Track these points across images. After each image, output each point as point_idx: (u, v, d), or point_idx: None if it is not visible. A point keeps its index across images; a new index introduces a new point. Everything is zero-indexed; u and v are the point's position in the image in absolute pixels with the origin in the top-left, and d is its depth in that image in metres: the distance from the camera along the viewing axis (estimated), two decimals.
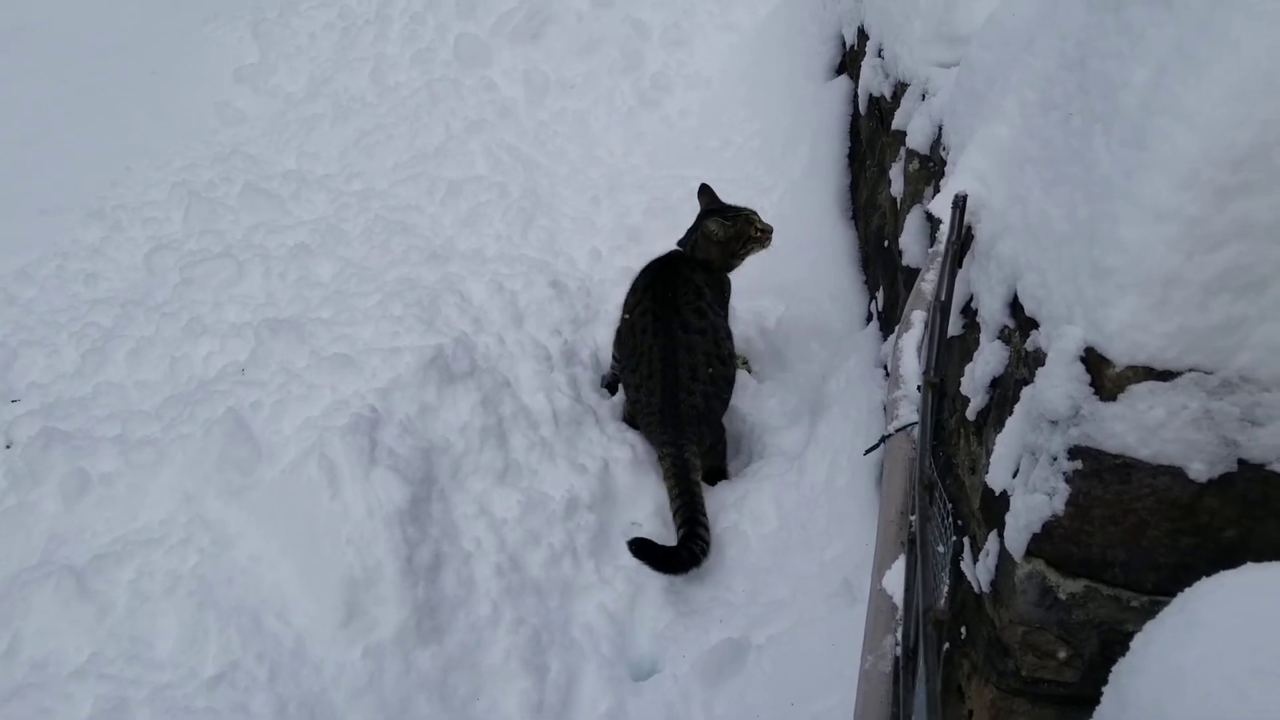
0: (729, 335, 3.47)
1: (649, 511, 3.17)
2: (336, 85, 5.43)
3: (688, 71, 5.35)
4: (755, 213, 3.65)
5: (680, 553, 2.96)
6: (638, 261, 4.20)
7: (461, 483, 2.93)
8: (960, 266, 2.13)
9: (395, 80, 5.38)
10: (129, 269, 4.17)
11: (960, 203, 2.01)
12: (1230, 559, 1.78)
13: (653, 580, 2.93)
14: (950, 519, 1.97)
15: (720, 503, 3.22)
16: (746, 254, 3.59)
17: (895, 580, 1.58)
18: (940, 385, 2.07)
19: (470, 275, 3.72)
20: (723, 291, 3.58)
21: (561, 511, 3.00)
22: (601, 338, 3.75)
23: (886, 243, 3.43)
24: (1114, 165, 1.81)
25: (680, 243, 3.68)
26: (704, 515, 3.08)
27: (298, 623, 2.56)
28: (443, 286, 3.60)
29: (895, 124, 3.34)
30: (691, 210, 4.52)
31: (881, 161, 3.67)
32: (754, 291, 3.83)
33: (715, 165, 4.66)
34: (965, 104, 2.65)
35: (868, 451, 1.79)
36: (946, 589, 1.75)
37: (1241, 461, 1.72)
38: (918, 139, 3.10)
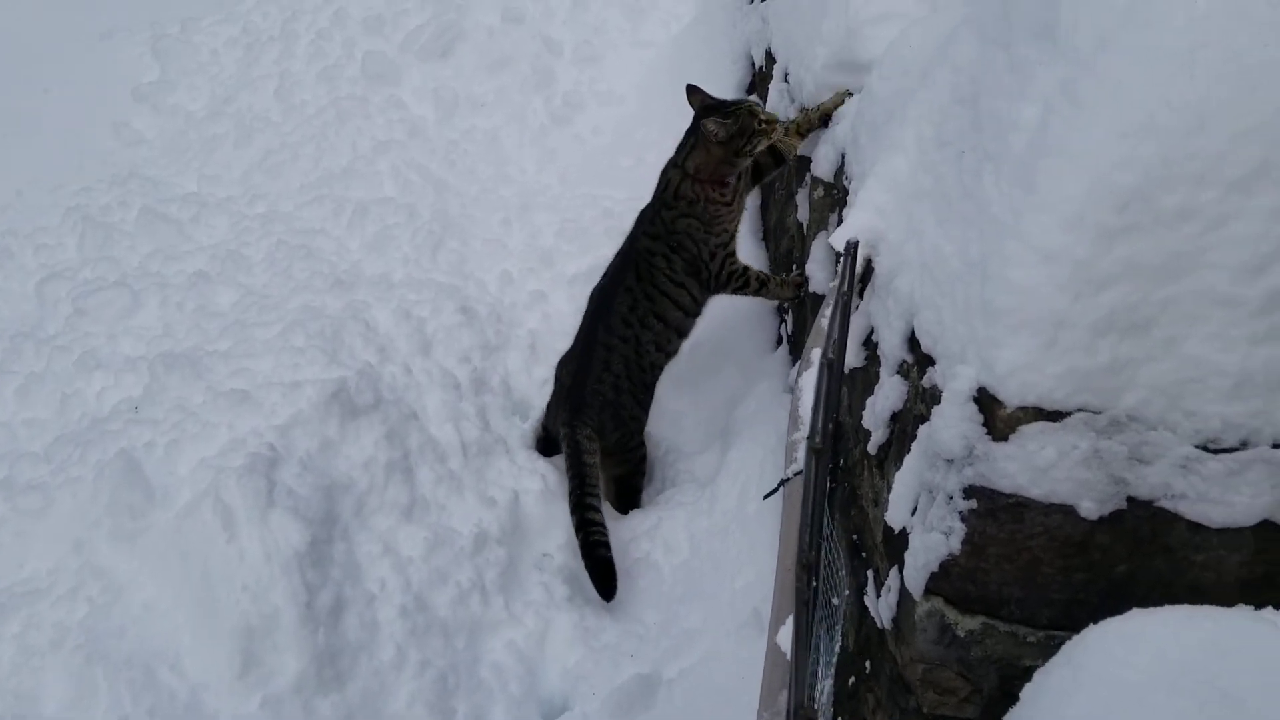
0: (662, 345, 3.38)
1: (560, 543, 3.13)
2: (240, 104, 5.28)
3: (600, 88, 5.31)
4: (757, 103, 3.38)
5: (590, 565, 3.02)
6: (549, 285, 4.16)
7: (365, 521, 2.86)
8: (849, 318, 2.13)
9: (301, 99, 5.26)
10: (19, 299, 4.00)
11: (851, 250, 2.01)
12: (1122, 593, 1.81)
13: (563, 615, 2.89)
14: (843, 572, 1.97)
15: (633, 532, 3.19)
16: (752, 151, 3.23)
17: (790, 636, 1.56)
18: (830, 446, 2.06)
19: (376, 302, 3.64)
20: (704, 240, 3.31)
21: (470, 547, 2.95)
22: (512, 364, 3.70)
23: (795, 267, 3.43)
24: (1004, 205, 1.82)
25: (672, 159, 3.40)
26: (594, 504, 3.09)
27: (192, 674, 2.48)
28: (347, 315, 3.52)
29: (800, 150, 3.35)
30: (605, 230, 4.49)
31: (789, 185, 3.68)
32: None
33: (628, 183, 4.62)
34: (866, 134, 2.66)
35: (767, 496, 1.78)
36: (829, 684, 1.73)
37: (1130, 499, 1.74)
38: (822, 167, 3.11)
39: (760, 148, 3.25)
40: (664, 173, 3.42)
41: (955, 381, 1.79)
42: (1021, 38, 1.98)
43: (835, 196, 2.97)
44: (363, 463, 2.96)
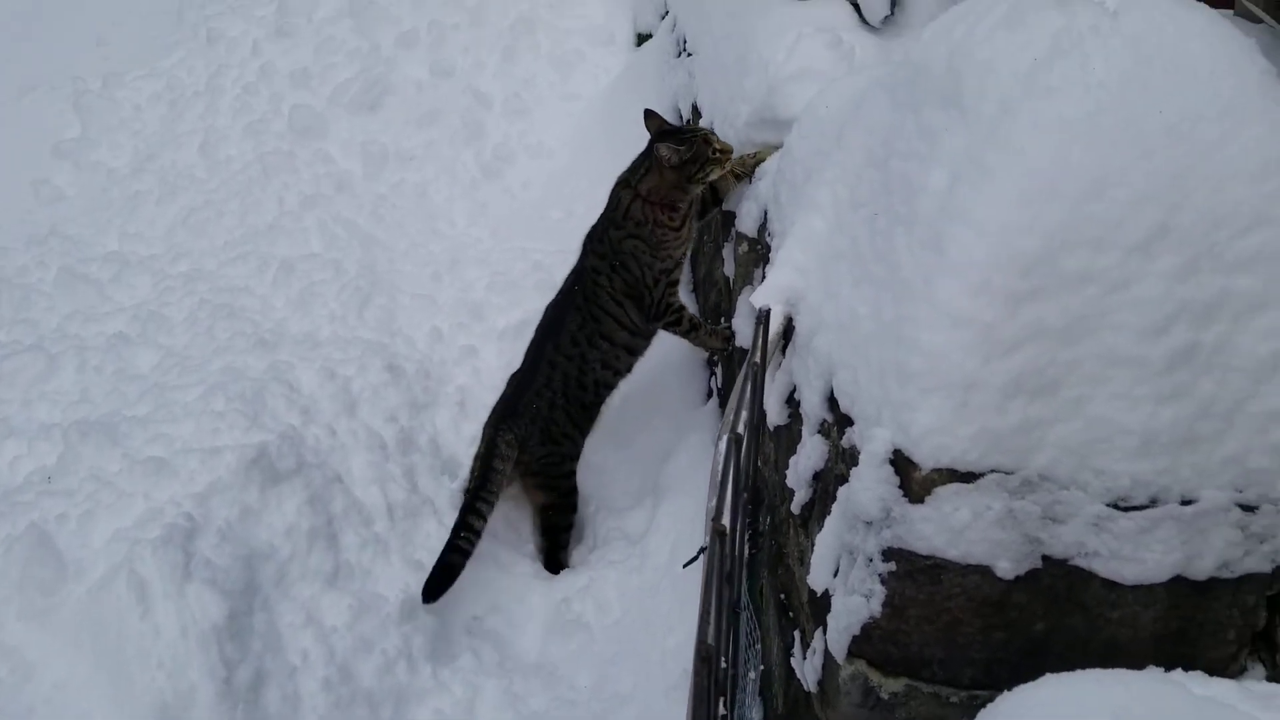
0: (610, 363, 3.36)
1: (490, 605, 3.09)
2: (163, 160, 5.21)
3: (530, 141, 5.33)
4: (711, 131, 3.37)
5: (437, 563, 3.02)
6: (480, 339, 4.13)
7: (287, 590, 2.79)
8: (761, 389, 2.13)
9: (226, 154, 5.20)
10: None
11: (762, 319, 2.02)
12: (1040, 651, 1.82)
13: (492, 681, 2.84)
14: (758, 646, 1.96)
15: (565, 592, 3.15)
16: (704, 178, 3.21)
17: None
18: (745, 516, 2.06)
19: (300, 362, 3.58)
20: (649, 264, 3.28)
21: (396, 614, 2.88)
22: (441, 422, 3.66)
23: (723, 319, 3.45)
24: (914, 268, 1.84)
25: (623, 178, 3.36)
26: (481, 511, 3.10)
27: None
28: (270, 376, 3.45)
29: (726, 204, 3.38)
30: (535, 284, 4.47)
31: (717, 239, 3.71)
32: None
33: (559, 236, 4.63)
34: (787, 192, 2.69)
35: (686, 565, 1.76)
36: None
37: (1046, 558, 1.76)
38: (746, 223, 3.14)
39: (713, 176, 3.23)
40: (615, 192, 3.39)
41: (871, 444, 1.80)
42: (930, 102, 2.01)
43: (759, 252, 3.00)
44: (284, 530, 2.89)
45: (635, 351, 3.43)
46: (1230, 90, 1.75)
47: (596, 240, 3.39)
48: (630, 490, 3.44)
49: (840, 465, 1.98)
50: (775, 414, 2.41)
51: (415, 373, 3.76)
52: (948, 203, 1.82)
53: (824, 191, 2.33)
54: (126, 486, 2.86)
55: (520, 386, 3.34)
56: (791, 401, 2.36)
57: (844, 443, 1.96)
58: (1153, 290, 1.68)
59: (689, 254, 3.46)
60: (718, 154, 3.20)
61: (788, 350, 2.35)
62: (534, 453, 3.29)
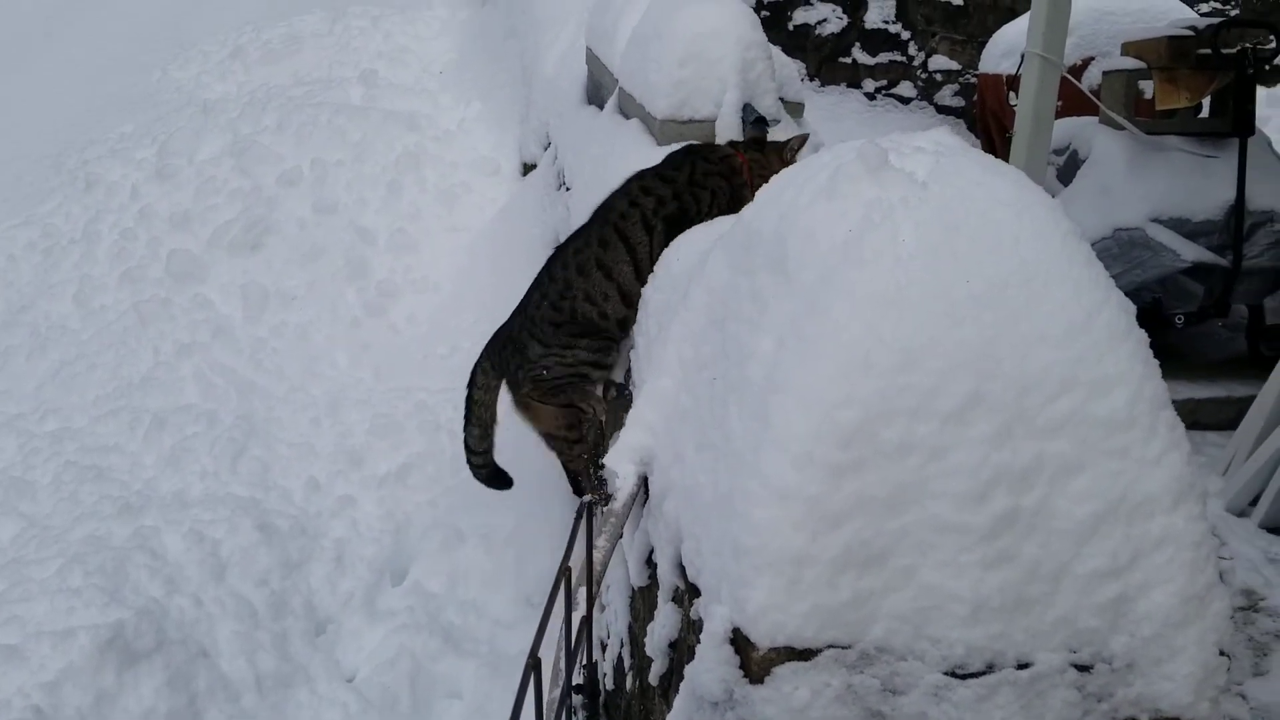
0: (591, 299, 3.05)
1: None
2: (36, 312, 5.09)
3: (415, 276, 5.34)
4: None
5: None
6: (358, 487, 4.05)
7: None
8: (605, 565, 2.11)
9: (101, 303, 5.10)
10: None
11: (583, 511, 2.01)
12: None
13: None
14: None
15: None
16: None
17: None
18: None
19: (167, 526, 3.47)
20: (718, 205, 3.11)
21: None
22: (316, 580, 3.55)
23: (600, 460, 3.43)
24: (745, 439, 1.85)
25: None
26: (470, 433, 3.26)
27: None
28: (134, 544, 3.33)
29: None
30: (418, 425, 4.40)
31: None
32: (478, 506, 3.75)
33: (443, 373, 4.61)
34: (644, 344, 2.71)
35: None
36: None
37: None
38: (615, 369, 3.15)
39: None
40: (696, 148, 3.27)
41: (712, 622, 1.78)
42: (762, 266, 2.05)
43: (626, 399, 3.00)
44: (141, 715, 2.76)
45: (628, 299, 3.05)
46: (1034, 255, 1.81)
47: (662, 170, 3.19)
48: (512, 607, 3.38)
49: (692, 636, 1.95)
50: (635, 574, 2.38)
51: (289, 529, 3.66)
52: (773, 372, 1.84)
53: (671, 350, 2.34)
54: None
55: (511, 317, 3.27)
56: (650, 562, 2.33)
57: (693, 614, 1.94)
58: (970, 457, 1.70)
59: None
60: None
61: (645, 510, 2.33)
62: (515, 373, 3.18)
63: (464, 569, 3.58)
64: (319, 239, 5.45)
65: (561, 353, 3.10)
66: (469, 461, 3.35)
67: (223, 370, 4.59)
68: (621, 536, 2.22)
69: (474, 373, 3.34)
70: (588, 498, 2.04)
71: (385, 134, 6.18)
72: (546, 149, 5.71)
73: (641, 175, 3.17)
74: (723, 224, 2.65)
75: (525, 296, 3.22)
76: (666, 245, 3.00)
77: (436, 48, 7.91)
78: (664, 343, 2.40)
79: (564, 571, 1.77)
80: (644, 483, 2.30)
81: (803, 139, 3.25)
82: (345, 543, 3.69)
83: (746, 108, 3.46)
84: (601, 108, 4.53)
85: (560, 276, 3.12)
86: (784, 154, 3.20)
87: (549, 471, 3.75)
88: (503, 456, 3.41)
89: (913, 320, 1.74)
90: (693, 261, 2.53)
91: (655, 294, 2.71)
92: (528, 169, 6.00)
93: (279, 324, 4.98)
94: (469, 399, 3.33)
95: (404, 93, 6.86)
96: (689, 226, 3.06)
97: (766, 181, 3.12)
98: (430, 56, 7.75)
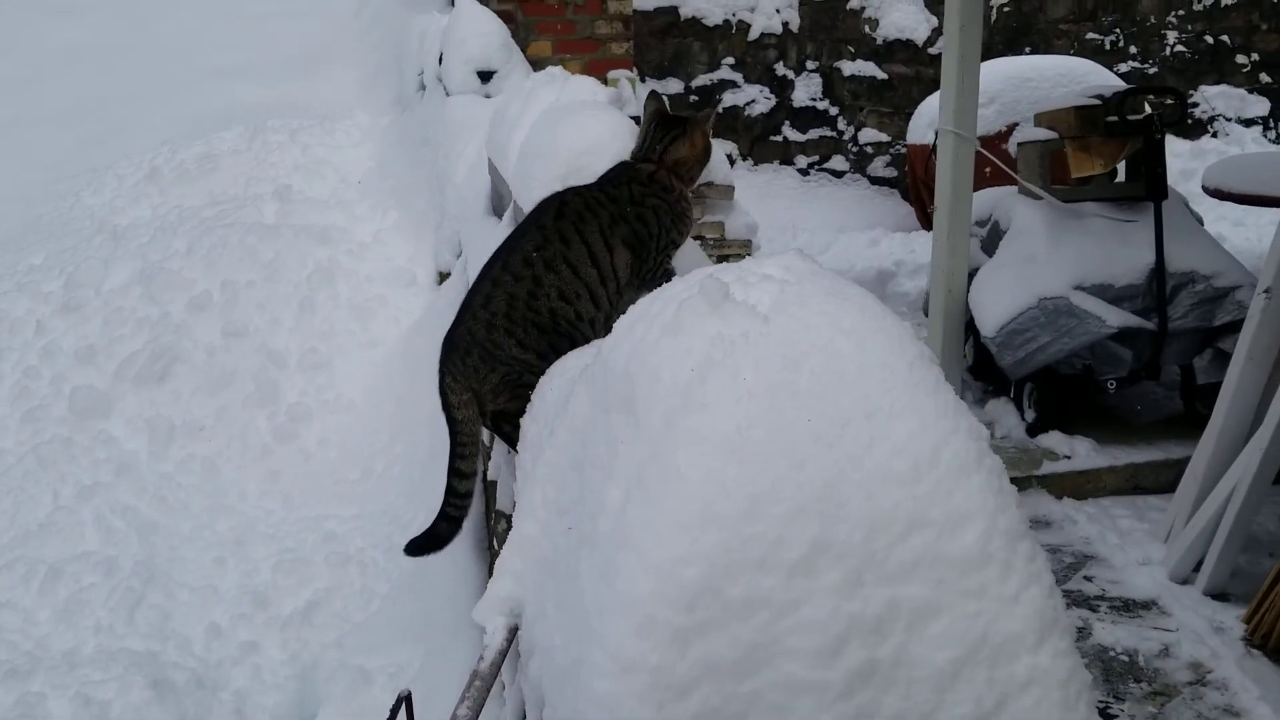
0: (565, 296, 2.86)
1: None
2: None
3: (328, 396, 5.22)
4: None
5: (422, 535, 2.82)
6: (262, 631, 3.89)
7: None
8: None
9: (1, 446, 4.94)
10: None
11: (402, 701, 1.90)
12: None
13: None
14: None
15: None
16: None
17: None
18: None
19: (53, 691, 3.29)
20: (665, 229, 2.97)
21: None
22: None
23: None
24: (594, 600, 1.75)
25: (640, 155, 3.10)
26: (461, 470, 2.83)
27: None
28: (17, 714, 3.15)
29: (490, 474, 3.30)
30: (325, 558, 4.26)
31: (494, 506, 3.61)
32: (385, 644, 3.60)
33: (354, 499, 4.49)
34: (520, 479, 2.61)
35: None
36: None
37: None
38: (503, 501, 3.05)
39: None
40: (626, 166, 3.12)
41: None
42: (615, 406, 1.97)
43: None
44: None
45: (595, 300, 2.94)
46: (878, 387, 1.75)
47: (606, 183, 3.05)
48: None
49: None
50: None
51: (186, 683, 3.49)
52: (620, 525, 1.75)
53: (537, 492, 2.25)
54: None
55: (458, 316, 2.88)
56: None
57: None
58: (821, 610, 1.62)
59: None
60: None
61: (518, 664, 2.22)
62: (487, 382, 2.86)
63: (371, 713, 3.42)
64: (228, 364, 5.33)
65: (538, 362, 2.85)
66: (448, 505, 2.86)
67: (125, 511, 4.43)
68: (487, 699, 2.09)
69: (444, 393, 2.88)
70: (405, 690, 1.90)
71: (298, 250, 6.10)
72: (459, 257, 5.66)
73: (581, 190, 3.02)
74: (593, 350, 2.58)
75: (473, 295, 2.89)
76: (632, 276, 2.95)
77: (355, 156, 7.88)
78: (532, 482, 2.31)
79: None
80: (514, 635, 2.20)
81: (710, 113, 3.09)
82: (246, 694, 3.52)
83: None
84: (501, 218, 4.50)
85: (526, 274, 2.85)
86: (704, 130, 3.01)
87: (461, 599, 3.63)
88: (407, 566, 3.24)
89: (755, 465, 1.67)
90: (561, 394, 2.46)
91: (531, 424, 2.62)
92: (443, 277, 5.93)
93: (186, 457, 4.83)
94: (451, 422, 2.88)
95: (319, 206, 6.80)
96: (652, 256, 2.99)
97: (692, 179, 3.10)
98: (349, 166, 7.71)
